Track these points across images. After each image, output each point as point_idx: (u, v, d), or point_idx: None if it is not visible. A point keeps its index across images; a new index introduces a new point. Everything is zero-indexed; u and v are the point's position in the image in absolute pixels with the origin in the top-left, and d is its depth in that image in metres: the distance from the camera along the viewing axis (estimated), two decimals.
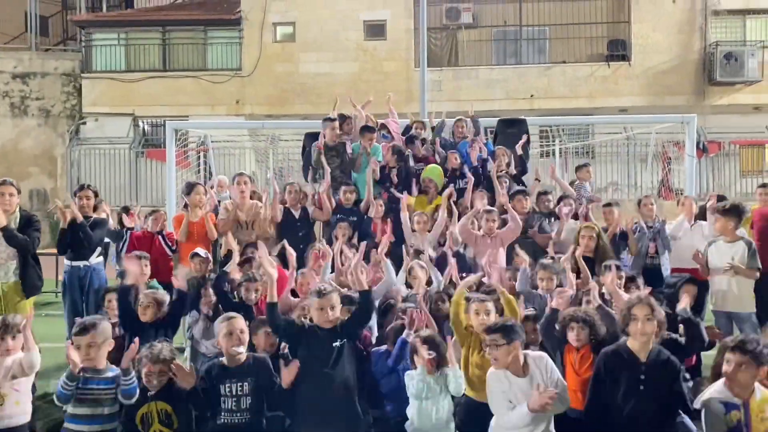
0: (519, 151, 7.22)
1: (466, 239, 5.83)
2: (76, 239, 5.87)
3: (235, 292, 4.98)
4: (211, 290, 4.97)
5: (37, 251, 5.67)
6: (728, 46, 16.55)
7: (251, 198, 6.44)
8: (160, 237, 6.29)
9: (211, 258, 5.71)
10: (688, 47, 17.04)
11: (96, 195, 6.22)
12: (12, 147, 17.52)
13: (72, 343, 3.68)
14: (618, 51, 17.29)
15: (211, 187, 7.27)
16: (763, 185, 6.84)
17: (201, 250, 5.67)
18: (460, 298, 4.14)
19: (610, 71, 17.12)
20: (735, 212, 5.53)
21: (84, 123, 17.69)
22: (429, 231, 6.01)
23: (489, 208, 5.95)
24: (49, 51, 18.50)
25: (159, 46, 17.96)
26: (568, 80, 17.20)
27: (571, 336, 3.95)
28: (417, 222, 6.00)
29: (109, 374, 3.68)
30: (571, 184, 7.55)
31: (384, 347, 4.36)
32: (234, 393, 3.69)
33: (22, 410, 3.75)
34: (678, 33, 17.07)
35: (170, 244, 6.29)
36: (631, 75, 17.10)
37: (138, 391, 3.65)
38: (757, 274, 5.48)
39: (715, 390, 3.19)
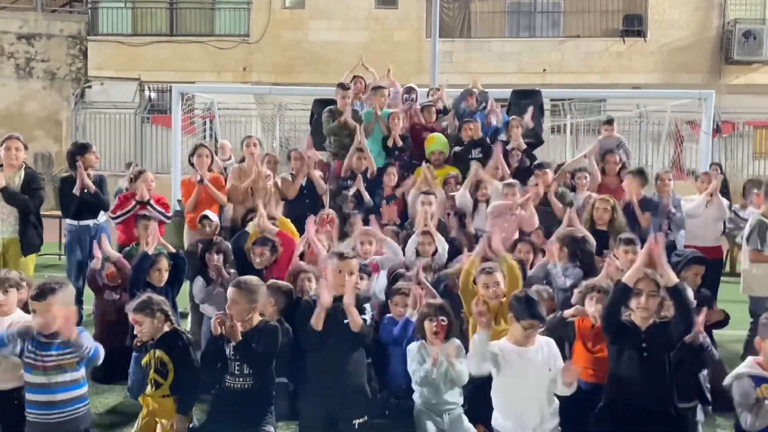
0: (530, 124, 7.05)
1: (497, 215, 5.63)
2: (86, 201, 5.81)
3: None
4: (215, 255, 4.86)
5: (44, 213, 5.64)
6: (747, 24, 16.16)
7: (271, 165, 6.27)
8: (149, 207, 5.79)
9: (219, 222, 5.61)
10: (706, 24, 16.68)
11: None
12: (17, 109, 17.34)
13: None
14: (634, 26, 16.91)
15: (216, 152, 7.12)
16: None
17: (211, 214, 5.53)
18: (472, 267, 4.04)
19: (624, 47, 16.78)
20: None
21: (89, 87, 17.48)
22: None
23: (510, 181, 5.78)
24: (55, 12, 18.19)
25: (166, 10, 17.65)
26: (582, 55, 16.87)
27: (589, 306, 3.84)
28: (422, 202, 5.53)
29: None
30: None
31: (391, 315, 4.28)
32: (237, 357, 3.56)
33: (13, 375, 3.50)
34: (695, 9, 16.70)
35: (162, 210, 5.90)
36: (646, 51, 16.76)
37: (97, 355, 3.31)
38: None
39: (744, 365, 3.32)
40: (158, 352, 3.55)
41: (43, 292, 3.25)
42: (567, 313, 3.93)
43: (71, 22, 17.74)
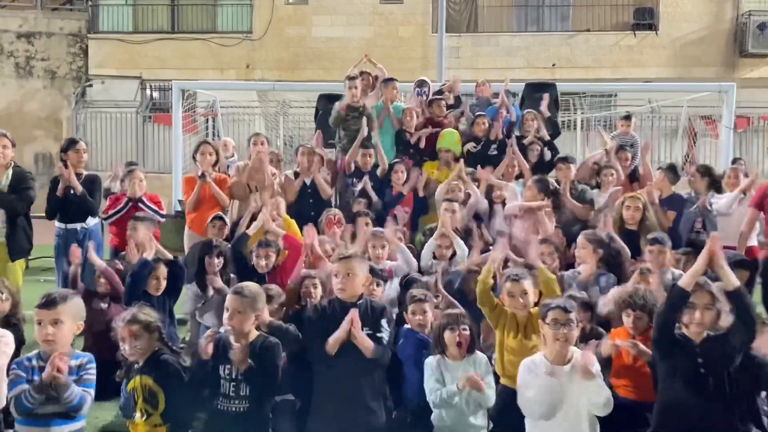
0: (546, 113, 6.73)
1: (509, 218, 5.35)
2: (72, 203, 5.48)
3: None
4: (216, 259, 4.52)
5: (37, 215, 5.30)
6: (762, 15, 15.75)
7: (275, 163, 5.99)
8: (141, 204, 5.56)
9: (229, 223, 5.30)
10: (719, 17, 16.28)
11: None
12: (17, 109, 17.08)
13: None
14: (645, 19, 16.51)
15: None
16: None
17: (224, 216, 5.25)
18: (488, 277, 3.69)
19: (636, 41, 16.39)
20: None
21: (90, 85, 17.21)
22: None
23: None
24: (55, 10, 17.91)
25: (167, 7, 17.34)
26: (592, 49, 16.50)
27: (627, 322, 3.50)
28: (445, 209, 5.11)
29: (72, 362, 2.86)
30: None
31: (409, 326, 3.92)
32: (233, 377, 3.18)
33: None
34: (709, 1, 16.31)
35: (155, 208, 5.65)
36: (657, 45, 16.37)
37: (81, 405, 2.82)
38: None
39: None
40: (145, 379, 3.13)
41: (53, 301, 2.86)
42: (604, 352, 3.54)
43: (71, 20, 17.46)
